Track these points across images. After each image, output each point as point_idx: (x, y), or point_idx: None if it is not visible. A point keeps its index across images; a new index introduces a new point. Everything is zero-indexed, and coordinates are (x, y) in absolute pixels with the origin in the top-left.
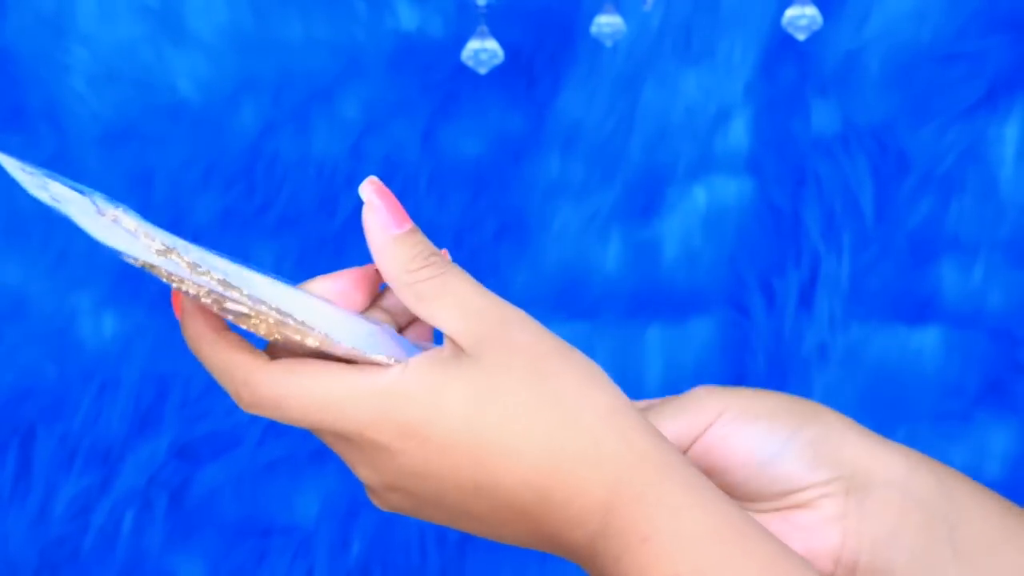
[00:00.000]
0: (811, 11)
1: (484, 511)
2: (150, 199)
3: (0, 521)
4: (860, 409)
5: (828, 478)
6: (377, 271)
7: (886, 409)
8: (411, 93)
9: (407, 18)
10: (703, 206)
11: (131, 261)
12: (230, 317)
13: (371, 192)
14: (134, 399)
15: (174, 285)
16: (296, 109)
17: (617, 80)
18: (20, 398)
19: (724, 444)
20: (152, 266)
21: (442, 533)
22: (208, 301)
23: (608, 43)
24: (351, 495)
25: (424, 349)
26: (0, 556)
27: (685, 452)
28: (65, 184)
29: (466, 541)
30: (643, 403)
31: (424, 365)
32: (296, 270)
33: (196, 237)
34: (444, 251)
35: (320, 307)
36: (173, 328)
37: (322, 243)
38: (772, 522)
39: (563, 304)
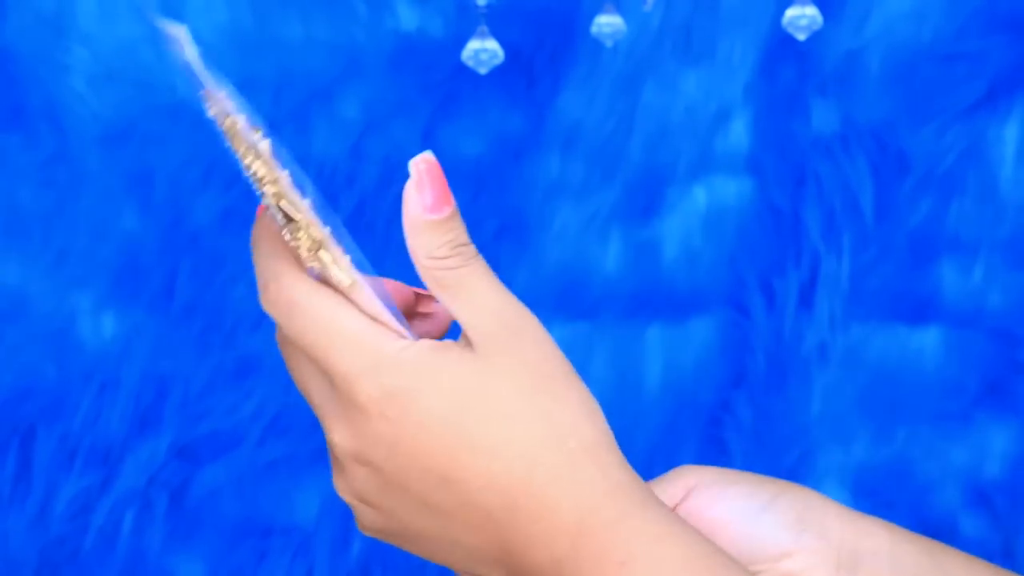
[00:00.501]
0: (811, 11)
1: (447, 507)
2: (150, 199)
3: (0, 521)
4: (860, 409)
5: (813, 546)
6: (414, 294)
7: (886, 409)
8: (411, 93)
9: (407, 18)
10: (703, 206)
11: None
12: (280, 219)
13: (421, 170)
14: (134, 399)
15: (246, 157)
16: (296, 109)
17: (617, 80)
18: (20, 398)
19: (707, 509)
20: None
21: None
22: (271, 190)
23: (608, 43)
24: None
25: None
26: (0, 556)
27: None
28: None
29: None
30: None
31: (431, 346)
32: None
33: (196, 237)
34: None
35: (359, 261)
36: (173, 328)
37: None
38: None
39: (563, 304)
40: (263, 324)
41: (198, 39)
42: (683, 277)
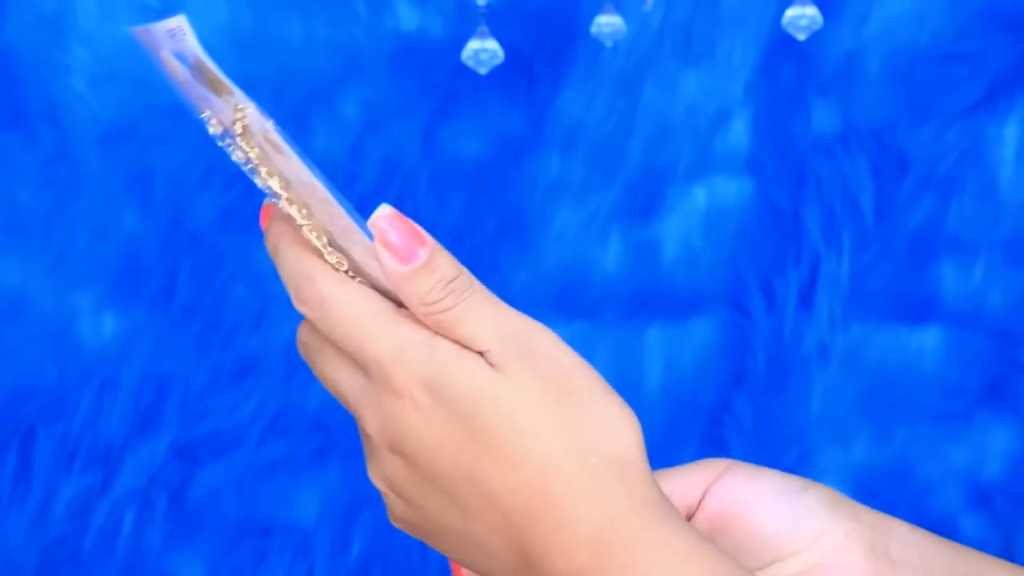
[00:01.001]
0: (811, 11)
1: (473, 507)
2: (150, 199)
3: (0, 521)
4: (860, 409)
5: (849, 527)
6: None
7: (886, 409)
8: (411, 93)
9: (407, 18)
10: (703, 206)
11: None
12: (297, 213)
13: (381, 228)
14: (134, 399)
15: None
16: (296, 109)
17: (617, 80)
18: (20, 398)
19: (742, 489)
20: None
21: None
22: (276, 184)
23: (608, 43)
24: (351, 495)
25: None
26: (0, 556)
27: (699, 503)
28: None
29: None
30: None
31: (456, 349)
32: None
33: (196, 237)
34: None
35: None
36: (173, 328)
37: None
38: None
39: (563, 304)
40: (263, 324)
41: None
42: (683, 277)
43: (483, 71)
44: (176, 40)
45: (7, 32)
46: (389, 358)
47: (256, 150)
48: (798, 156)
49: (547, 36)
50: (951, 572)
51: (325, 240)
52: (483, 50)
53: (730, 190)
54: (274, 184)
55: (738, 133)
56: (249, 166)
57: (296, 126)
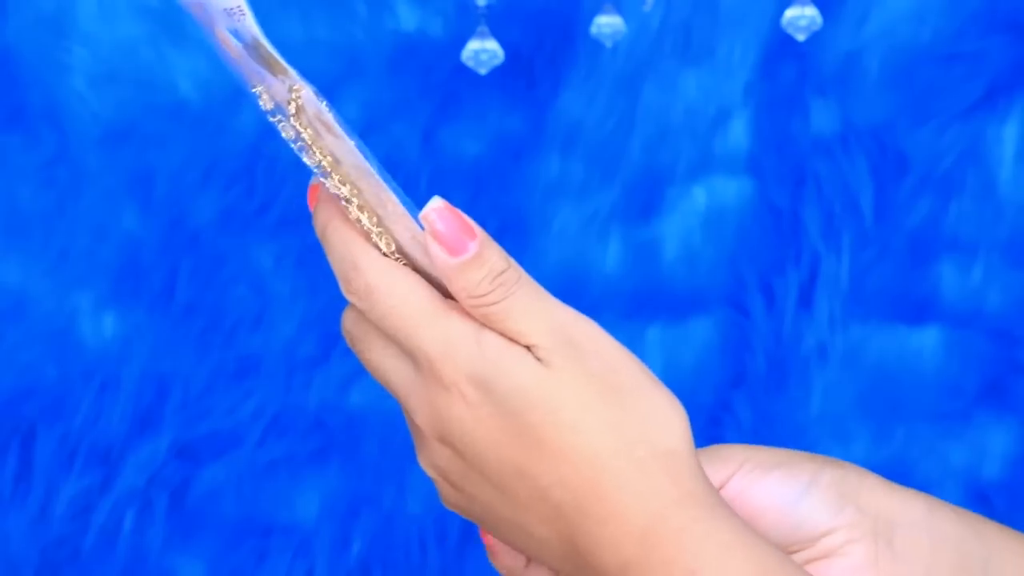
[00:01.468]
0: (811, 11)
1: (522, 498)
2: (150, 199)
3: (0, 521)
4: (860, 409)
5: (853, 520)
6: None
7: (886, 409)
8: (411, 93)
9: (407, 18)
10: (703, 206)
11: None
12: (347, 191)
13: (432, 220)
14: (134, 399)
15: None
16: None
17: (617, 80)
18: (20, 398)
19: (747, 493)
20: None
21: (442, 533)
22: (328, 163)
23: (608, 43)
24: (351, 495)
25: None
26: (1, 556)
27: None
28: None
29: (466, 541)
30: None
31: (503, 343)
32: (296, 270)
33: (196, 237)
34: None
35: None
36: (173, 328)
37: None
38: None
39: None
40: (263, 324)
41: (199, 39)
42: (683, 277)
43: (483, 71)
44: (233, 19)
45: (7, 32)
46: (438, 352)
47: (309, 129)
48: (798, 156)
49: (547, 36)
50: (963, 558)
51: (375, 220)
52: (483, 50)
53: (730, 190)
54: (325, 162)
55: (738, 133)
56: (299, 144)
57: None
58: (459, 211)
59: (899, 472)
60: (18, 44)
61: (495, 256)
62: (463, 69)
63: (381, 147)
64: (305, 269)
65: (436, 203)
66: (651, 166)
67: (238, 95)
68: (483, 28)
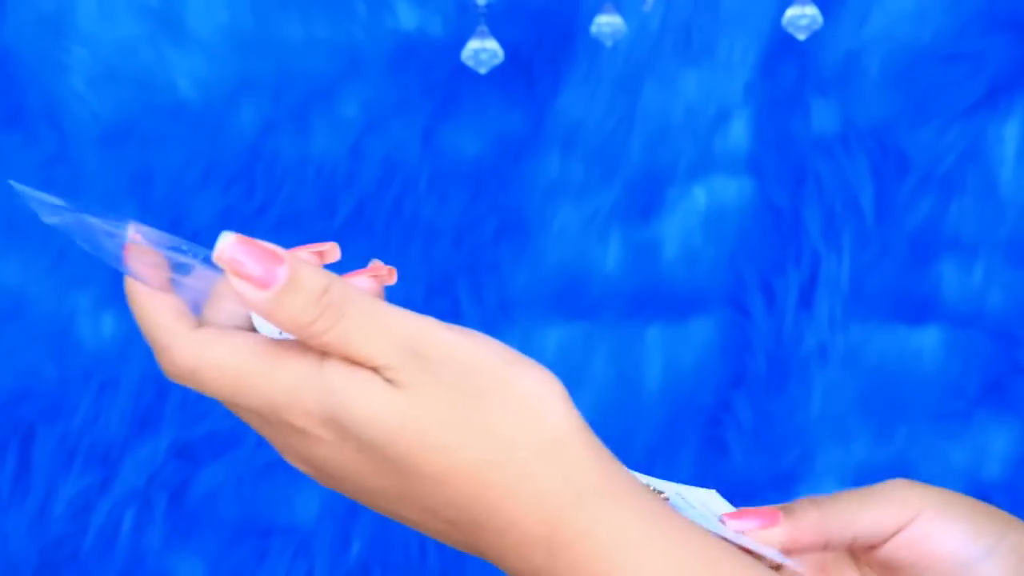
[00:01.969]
0: (811, 11)
1: (416, 517)
2: (150, 199)
3: (0, 521)
4: (860, 409)
5: None
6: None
7: (886, 409)
8: (411, 93)
9: (407, 18)
10: (703, 206)
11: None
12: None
13: (229, 253)
14: (134, 399)
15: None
16: (296, 109)
17: (617, 80)
18: (20, 398)
19: (927, 541)
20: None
21: None
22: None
23: (608, 43)
24: None
25: None
26: (0, 556)
27: (883, 544)
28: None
29: None
30: (835, 494)
31: (347, 372)
32: None
33: (196, 237)
34: (327, 248)
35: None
36: None
37: (322, 243)
38: None
39: (563, 304)
40: None
41: (199, 39)
42: (683, 277)
43: (483, 71)
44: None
45: (7, 32)
46: (283, 401)
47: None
48: (798, 156)
49: (547, 36)
50: None
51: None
52: (483, 50)
53: (730, 190)
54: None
55: (738, 133)
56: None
57: (296, 126)
58: (255, 240)
59: (899, 472)
60: (17, 44)
61: (311, 277)
62: (463, 69)
63: (381, 147)
64: None
65: (227, 238)
66: (651, 166)
67: (237, 95)
68: (483, 28)
